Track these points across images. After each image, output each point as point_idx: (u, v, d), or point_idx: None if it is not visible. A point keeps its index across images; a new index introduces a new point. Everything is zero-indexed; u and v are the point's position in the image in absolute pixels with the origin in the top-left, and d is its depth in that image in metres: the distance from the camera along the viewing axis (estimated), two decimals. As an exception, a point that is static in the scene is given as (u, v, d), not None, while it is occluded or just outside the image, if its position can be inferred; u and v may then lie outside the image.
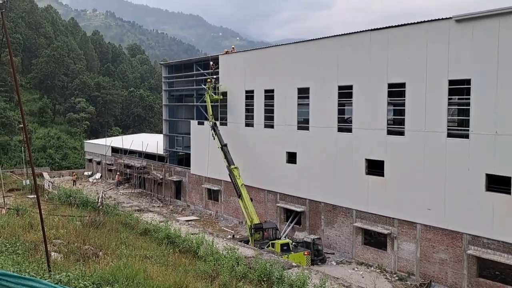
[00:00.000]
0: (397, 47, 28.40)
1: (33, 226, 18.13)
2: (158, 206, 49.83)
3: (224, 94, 42.79)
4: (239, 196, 34.62)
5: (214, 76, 43.40)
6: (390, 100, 29.45)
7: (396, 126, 29.72)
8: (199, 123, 47.00)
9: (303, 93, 35.10)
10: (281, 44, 39.07)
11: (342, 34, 32.29)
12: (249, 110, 40.71)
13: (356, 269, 29.83)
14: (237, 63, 42.18)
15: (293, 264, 19.84)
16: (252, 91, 39.98)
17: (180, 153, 53.55)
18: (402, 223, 28.43)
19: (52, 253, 14.03)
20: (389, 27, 29.19)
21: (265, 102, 38.65)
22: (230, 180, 36.64)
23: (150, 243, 19.93)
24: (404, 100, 28.18)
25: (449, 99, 26.12)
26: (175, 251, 18.65)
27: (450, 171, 25.81)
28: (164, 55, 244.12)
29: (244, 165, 38.09)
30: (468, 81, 24.84)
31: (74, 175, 67.75)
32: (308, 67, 34.39)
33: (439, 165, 26.32)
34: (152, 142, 58.31)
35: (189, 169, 48.99)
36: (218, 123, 41.85)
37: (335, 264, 30.94)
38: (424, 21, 27.08)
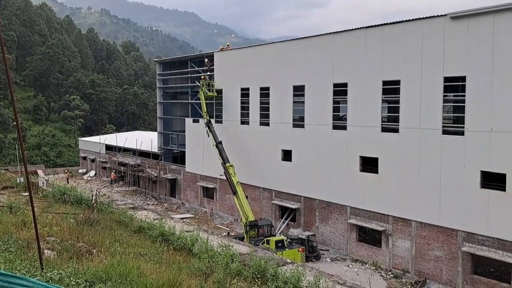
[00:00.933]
0: (392, 44, 28.39)
1: (26, 224, 17.98)
2: (153, 204, 49.68)
3: (219, 91, 42.67)
4: (234, 193, 34.57)
5: (208, 73, 43.25)
6: (385, 97, 29.47)
7: (390, 123, 29.72)
8: (194, 121, 46.86)
9: (299, 90, 35.06)
10: (277, 42, 39.01)
11: (337, 32, 32.24)
12: (245, 107, 40.62)
13: (350, 266, 29.85)
14: (232, 60, 42.05)
15: (288, 260, 19.81)
16: (247, 89, 39.87)
17: (175, 151, 53.40)
18: (397, 220, 28.46)
19: (46, 251, 13.92)
20: (384, 24, 29.18)
21: (260, 99, 38.57)
22: (225, 178, 36.57)
23: (144, 240, 19.83)
24: (399, 97, 28.18)
25: (444, 96, 26.14)
26: (169, 249, 18.56)
27: (445, 168, 25.84)
28: (159, 52, 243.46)
29: (239, 163, 38.02)
30: (463, 78, 24.85)
31: (67, 172, 67.39)
32: (304, 65, 34.33)
33: (434, 162, 26.34)
34: (147, 140, 58.15)
35: (184, 167, 48.86)
36: (213, 120, 41.75)
37: (329, 261, 30.96)
38: (419, 18, 27.08)
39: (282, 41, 37.99)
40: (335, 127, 32.42)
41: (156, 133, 56.62)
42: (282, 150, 36.66)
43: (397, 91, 28.32)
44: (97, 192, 34.38)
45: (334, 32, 32.48)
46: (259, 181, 38.85)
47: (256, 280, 14.53)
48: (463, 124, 25.14)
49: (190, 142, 47.82)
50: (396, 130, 28.62)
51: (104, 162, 66.92)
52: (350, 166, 31.22)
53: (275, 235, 32.27)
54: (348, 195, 31.41)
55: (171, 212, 44.96)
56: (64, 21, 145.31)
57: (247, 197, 34.93)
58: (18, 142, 67.95)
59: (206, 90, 41.65)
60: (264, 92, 38.13)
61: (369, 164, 30.30)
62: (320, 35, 33.73)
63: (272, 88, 37.25)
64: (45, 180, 50.31)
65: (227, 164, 35.63)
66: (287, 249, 29.05)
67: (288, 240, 30.88)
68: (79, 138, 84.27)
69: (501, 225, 23.46)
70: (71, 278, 9.79)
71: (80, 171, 74.48)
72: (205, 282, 13.85)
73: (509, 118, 23.09)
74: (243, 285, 14.20)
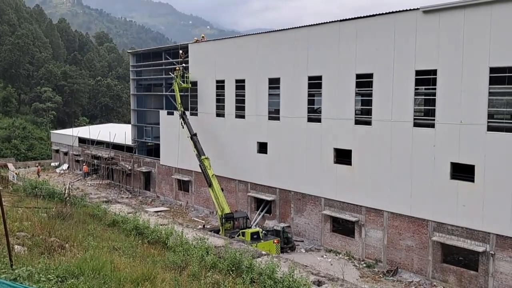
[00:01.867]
0: (366, 38, 28.69)
1: (-5, 219, 17.56)
2: (127, 197, 49.23)
3: (194, 83, 42.40)
4: (210, 185, 34.54)
5: (183, 65, 42.89)
6: (358, 90, 29.80)
7: (363, 116, 30.11)
8: (169, 113, 46.47)
9: (274, 83, 35.14)
10: (252, 34, 38.95)
11: (312, 25, 32.37)
12: (220, 100, 40.49)
13: (324, 256, 30.27)
14: (207, 52, 41.80)
15: (263, 252, 19.92)
16: (223, 81, 39.73)
17: (149, 144, 52.91)
18: (369, 211, 28.96)
19: (16, 246, 13.64)
20: (358, 17, 29.44)
21: (236, 92, 38.50)
22: (200, 171, 36.47)
23: (118, 234, 19.61)
24: (372, 90, 28.56)
25: (415, 89, 26.62)
26: (144, 242, 18.41)
27: (416, 160, 26.38)
28: (132, 43, 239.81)
29: (215, 155, 37.96)
30: (434, 72, 25.34)
31: (37, 166, 66.03)
32: (279, 58, 34.40)
33: (406, 154, 26.86)
34: (120, 132, 57.41)
35: (159, 159, 48.50)
36: (188, 113, 41.50)
37: (304, 251, 31.32)
38: (392, 12, 27.42)
39: (258, 33, 37.97)
40: (310, 119, 32.66)
41: (130, 125, 55.94)
42: (257, 142, 36.75)
43: (370, 84, 28.68)
44: (70, 186, 33.86)
45: (309, 25, 32.61)
46: (235, 174, 38.89)
47: (231, 273, 14.60)
48: (434, 116, 25.66)
49: (164, 135, 47.44)
50: (369, 123, 29.02)
51: (77, 155, 65.84)
52: (325, 158, 31.55)
53: (250, 227, 32.45)
54: (323, 187, 31.77)
55: (146, 206, 44.63)
56: (34, 10, 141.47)
57: (222, 190, 34.96)
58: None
59: (180, 82, 41.32)
60: (240, 85, 38.07)
61: (343, 156, 30.69)
62: (295, 28, 33.82)
63: (248, 80, 37.23)
64: (16, 173, 49.23)
65: (203, 157, 35.53)
66: (262, 240, 29.25)
67: (263, 232, 31.08)
68: (51, 131, 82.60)
69: (469, 215, 24.14)
70: (41, 274, 9.64)
71: (52, 164, 73.08)
72: (180, 275, 13.84)
73: (478, 111, 23.68)
74: (218, 278, 14.23)
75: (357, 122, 29.73)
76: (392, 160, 27.58)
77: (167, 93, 47.13)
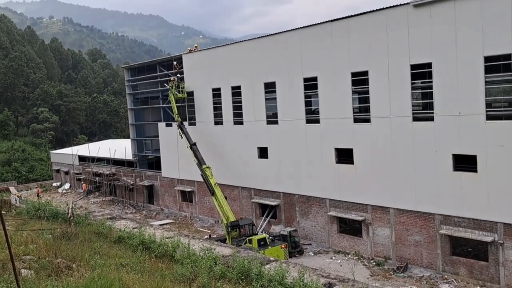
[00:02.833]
0: (358, 35, 28.68)
1: (0, 244, 17.46)
2: (131, 213, 49.07)
3: (191, 93, 42.39)
4: (213, 194, 34.41)
5: (178, 75, 42.86)
6: (355, 88, 29.74)
7: (362, 113, 30.05)
8: (167, 125, 46.41)
9: (270, 87, 35.10)
10: (245, 40, 38.96)
11: (303, 27, 32.39)
12: (217, 108, 40.45)
13: (333, 258, 30.10)
14: (201, 62, 41.81)
15: (271, 258, 19.80)
16: (219, 89, 39.70)
17: (149, 157, 52.78)
18: (375, 209, 28.83)
19: (22, 270, 13.54)
20: (349, 16, 29.45)
21: (232, 99, 38.46)
22: (203, 180, 36.36)
23: (124, 250, 19.50)
24: (368, 87, 28.51)
25: (412, 83, 26.58)
26: (151, 257, 18.30)
27: (418, 154, 26.29)
28: (126, 58, 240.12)
29: (216, 164, 37.86)
30: (429, 65, 25.30)
31: (37, 187, 65.81)
32: (273, 61, 34.39)
33: (407, 149, 26.77)
34: (120, 147, 57.30)
35: (160, 172, 48.37)
36: (186, 123, 41.46)
37: (312, 254, 31.16)
38: (383, 8, 27.43)
39: (251, 39, 37.94)
40: (308, 121, 32.60)
41: (129, 140, 55.85)
42: (258, 147, 36.67)
43: (366, 82, 28.64)
44: (73, 205, 33.75)
45: (301, 27, 32.62)
46: (237, 181, 38.77)
47: (241, 281, 14.48)
48: (432, 109, 25.60)
49: (164, 147, 47.35)
50: (368, 120, 28.95)
51: (78, 174, 65.72)
52: (326, 159, 31.46)
53: (257, 234, 32.28)
54: (326, 188, 31.65)
55: (150, 219, 44.50)
56: (26, 32, 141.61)
57: (226, 198, 34.82)
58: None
59: (176, 92, 41.31)
60: (236, 91, 38.04)
61: (344, 156, 30.60)
62: (287, 31, 33.82)
63: (244, 86, 37.20)
64: (18, 196, 49.12)
65: (204, 166, 35.42)
66: (269, 246, 29.10)
67: (270, 237, 30.93)
68: (50, 151, 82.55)
69: (475, 205, 24.03)
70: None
71: (54, 184, 72.96)
72: (190, 287, 13.74)
73: (475, 101, 23.62)
74: (228, 287, 14.13)
75: (356, 120, 29.66)
76: (394, 156, 27.49)
77: (164, 105, 47.08)
